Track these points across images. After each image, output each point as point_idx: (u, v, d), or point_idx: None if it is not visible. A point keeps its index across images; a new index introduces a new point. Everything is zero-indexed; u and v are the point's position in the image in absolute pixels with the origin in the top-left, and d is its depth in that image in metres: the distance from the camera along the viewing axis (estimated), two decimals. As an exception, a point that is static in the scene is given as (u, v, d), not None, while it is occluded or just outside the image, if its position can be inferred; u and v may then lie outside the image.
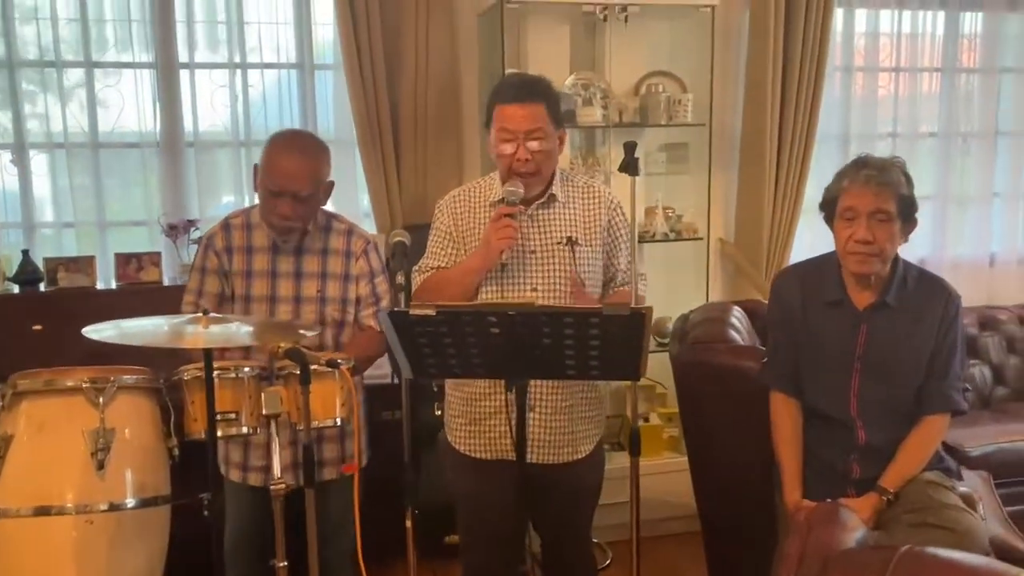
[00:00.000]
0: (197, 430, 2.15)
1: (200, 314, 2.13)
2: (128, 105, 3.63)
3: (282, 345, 2.12)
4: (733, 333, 2.97)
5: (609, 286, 2.46)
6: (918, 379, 2.38)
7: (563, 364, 1.91)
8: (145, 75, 3.62)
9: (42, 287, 3.41)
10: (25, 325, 3.21)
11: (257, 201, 2.49)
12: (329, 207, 2.63)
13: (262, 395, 2.19)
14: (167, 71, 3.62)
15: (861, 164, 2.35)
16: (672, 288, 3.82)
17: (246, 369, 2.22)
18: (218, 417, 2.11)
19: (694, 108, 3.78)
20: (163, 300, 2.87)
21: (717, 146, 3.91)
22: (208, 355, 2.04)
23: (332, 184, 2.52)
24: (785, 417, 2.47)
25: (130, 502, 2.05)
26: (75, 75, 3.58)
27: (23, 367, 2.13)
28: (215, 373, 2.09)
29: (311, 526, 2.18)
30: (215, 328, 2.08)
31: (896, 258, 2.40)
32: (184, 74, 3.64)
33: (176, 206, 3.65)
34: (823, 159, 4.13)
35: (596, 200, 2.42)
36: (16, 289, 3.40)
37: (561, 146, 2.39)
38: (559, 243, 2.35)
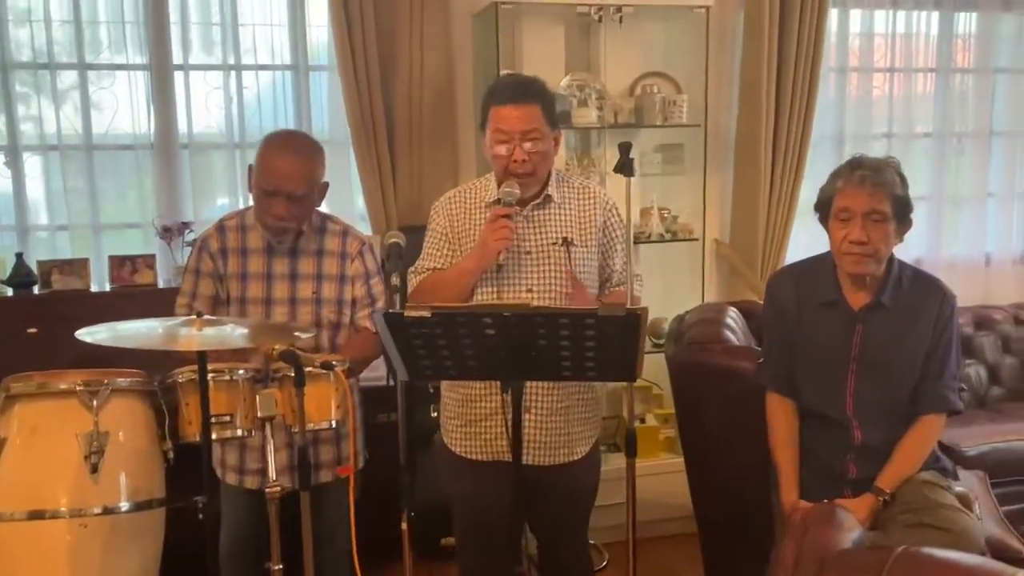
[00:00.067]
0: (191, 433, 2.15)
1: (194, 316, 2.12)
2: (122, 107, 3.62)
3: (276, 347, 2.12)
4: (729, 334, 2.97)
5: (604, 287, 2.45)
6: (914, 379, 2.38)
7: (559, 365, 1.91)
8: (139, 77, 3.61)
9: (36, 290, 3.39)
10: (19, 328, 3.20)
11: (252, 203, 2.48)
12: (324, 209, 2.62)
13: (257, 397, 2.18)
14: (161, 73, 3.61)
15: (856, 164, 2.35)
16: (668, 289, 3.82)
17: (241, 371, 2.21)
18: (213, 420, 2.10)
19: (689, 109, 3.78)
20: (158, 303, 2.86)
21: (712, 147, 3.91)
22: (202, 357, 2.04)
23: (327, 185, 2.52)
24: (781, 418, 2.47)
25: (124, 506, 2.04)
26: (69, 77, 3.57)
27: (17, 370, 2.12)
28: (209, 375, 2.08)
29: (306, 528, 2.17)
30: (209, 330, 2.07)
31: (891, 258, 2.40)
32: (178, 76, 3.63)
33: (170, 208, 3.64)
34: (818, 160, 4.13)
35: (592, 201, 2.42)
36: (10, 292, 3.38)
37: (556, 147, 2.39)
38: (555, 244, 2.35)
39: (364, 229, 3.58)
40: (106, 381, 2.06)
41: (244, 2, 3.67)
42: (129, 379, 2.12)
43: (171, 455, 2.15)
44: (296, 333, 2.20)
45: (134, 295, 3.41)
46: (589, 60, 3.81)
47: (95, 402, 2.02)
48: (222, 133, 3.72)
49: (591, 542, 2.69)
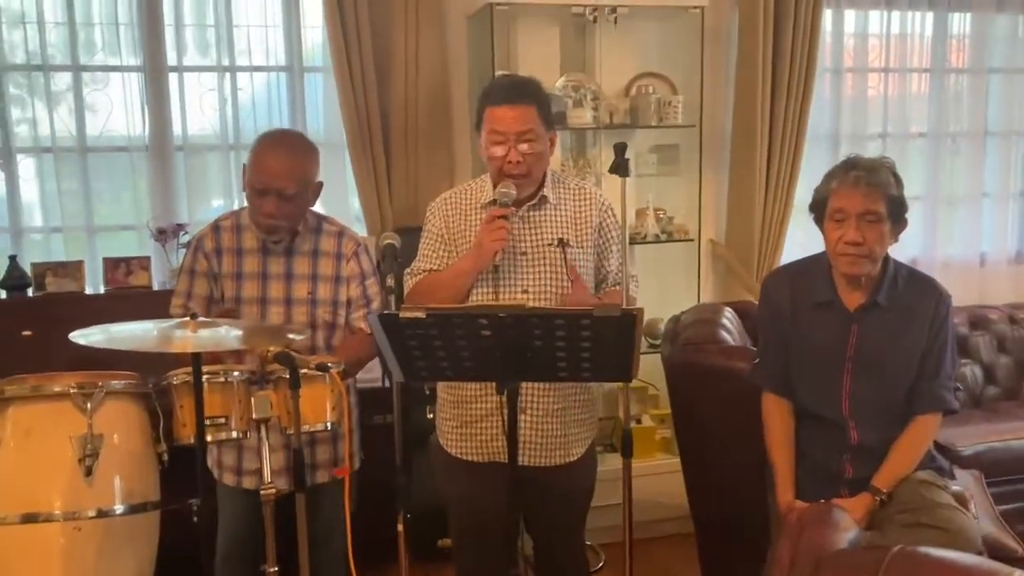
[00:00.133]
0: (186, 435, 2.14)
1: (188, 318, 2.11)
2: (116, 109, 3.60)
3: (271, 349, 2.11)
4: (724, 334, 2.97)
5: (600, 288, 2.45)
6: (909, 379, 2.38)
7: (554, 366, 1.90)
8: (133, 78, 3.59)
9: (30, 292, 3.39)
10: (13, 331, 3.19)
11: (247, 203, 2.48)
12: (319, 210, 2.62)
13: (252, 399, 2.18)
14: (156, 74, 3.60)
15: (850, 165, 2.36)
16: (663, 289, 3.82)
17: (236, 373, 2.20)
18: (207, 422, 2.09)
19: (684, 109, 3.78)
20: (152, 304, 2.85)
21: (707, 147, 3.91)
22: (197, 359, 2.03)
23: (321, 185, 2.51)
24: (777, 418, 2.47)
25: (119, 508, 2.03)
26: (63, 79, 3.56)
27: (11, 373, 2.10)
28: (204, 377, 2.08)
29: (302, 530, 2.17)
30: (204, 332, 2.07)
31: (886, 258, 2.41)
32: (173, 77, 3.62)
33: (165, 210, 3.63)
34: (813, 160, 4.14)
35: (587, 202, 2.41)
36: (3, 294, 3.37)
37: (552, 148, 2.39)
38: (550, 245, 2.35)
39: (359, 230, 3.58)
40: (100, 383, 2.05)
41: (239, 3, 3.66)
42: (123, 381, 2.11)
43: (166, 457, 2.14)
44: (290, 335, 2.19)
45: (129, 297, 3.40)
46: (584, 61, 3.81)
47: (89, 404, 2.02)
48: (217, 135, 3.71)
49: (587, 543, 2.69)
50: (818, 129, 4.23)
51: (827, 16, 4.15)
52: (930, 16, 4.39)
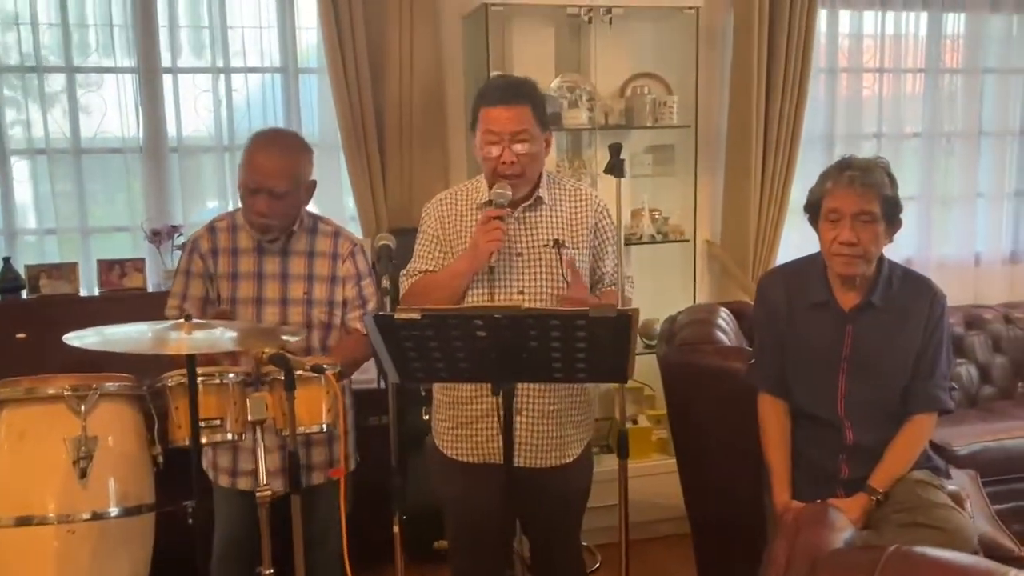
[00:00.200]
0: (181, 437, 2.13)
1: (183, 320, 2.11)
2: (111, 110, 3.60)
3: (266, 350, 2.11)
4: (720, 335, 2.98)
5: (596, 289, 2.45)
6: (905, 379, 2.38)
7: (550, 367, 1.90)
8: (128, 80, 3.58)
9: (24, 294, 3.38)
10: (7, 333, 3.18)
11: (240, 202, 2.47)
12: (314, 211, 2.61)
13: (247, 401, 2.17)
14: (150, 76, 3.59)
15: (844, 165, 2.36)
16: (659, 290, 3.82)
17: (231, 375, 2.20)
18: (203, 423, 2.09)
19: (679, 110, 3.79)
20: (147, 307, 2.85)
21: (703, 148, 3.91)
22: (191, 361, 2.02)
23: (314, 184, 2.51)
24: (773, 418, 2.47)
25: (113, 511, 2.02)
26: (57, 80, 3.55)
27: (5, 375, 2.10)
28: (199, 379, 2.08)
29: (297, 531, 2.16)
30: (198, 334, 2.06)
31: (881, 258, 2.41)
32: (167, 79, 3.61)
33: (160, 212, 3.62)
34: (808, 160, 4.14)
35: (583, 202, 2.41)
36: (-3, 297, 3.37)
37: (547, 148, 2.39)
38: (546, 246, 2.34)
39: (354, 231, 3.56)
40: (94, 386, 2.04)
41: (233, 5, 3.65)
42: (118, 383, 2.10)
43: (161, 459, 2.14)
44: (285, 336, 2.19)
45: (123, 299, 3.40)
46: (579, 61, 3.82)
47: (83, 407, 2.01)
48: (211, 136, 3.70)
49: (584, 544, 2.68)
50: (813, 129, 4.24)
51: (822, 16, 4.16)
52: (924, 16, 4.40)
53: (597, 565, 3.45)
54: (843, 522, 2.11)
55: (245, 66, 3.72)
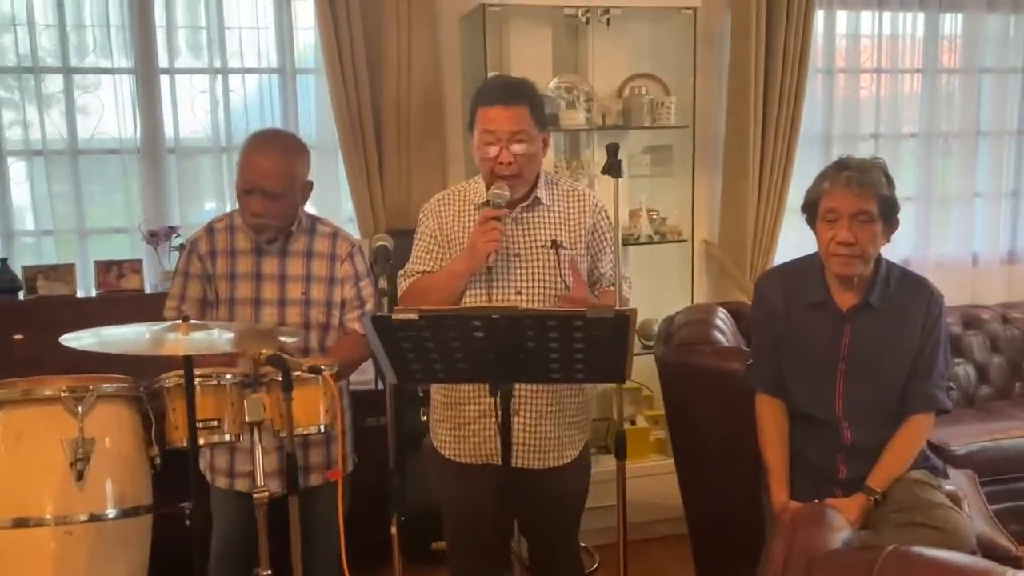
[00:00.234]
0: (179, 438, 2.13)
1: (180, 321, 2.10)
2: (108, 111, 3.59)
3: (264, 351, 2.10)
4: (718, 335, 2.97)
5: (594, 289, 2.45)
6: (902, 379, 2.38)
7: (547, 367, 1.90)
8: (125, 81, 3.58)
9: (21, 296, 3.37)
10: (4, 334, 3.17)
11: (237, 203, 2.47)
12: (312, 211, 2.61)
13: (244, 402, 2.17)
14: (147, 76, 3.59)
15: (842, 166, 2.36)
16: (657, 290, 3.82)
17: (228, 376, 2.20)
18: (200, 425, 2.09)
19: (677, 110, 3.79)
20: (144, 308, 2.84)
21: (700, 148, 3.92)
22: (188, 362, 2.02)
23: (310, 185, 2.51)
24: (770, 418, 2.47)
25: (110, 512, 2.02)
26: (54, 81, 3.54)
27: (2, 376, 2.10)
28: (196, 380, 2.07)
29: (295, 533, 2.16)
30: (196, 335, 2.06)
31: (879, 258, 2.41)
32: (164, 79, 3.61)
33: (157, 212, 3.62)
34: (806, 160, 4.14)
35: (581, 203, 2.41)
36: (-6, 298, 3.36)
37: (545, 149, 2.38)
38: (543, 246, 2.34)
39: (352, 232, 3.56)
40: (91, 387, 2.04)
41: (230, 5, 3.65)
42: (115, 384, 2.10)
43: (158, 461, 2.14)
44: (282, 337, 2.19)
45: (120, 300, 3.39)
46: (577, 62, 3.81)
47: (80, 408, 2.01)
48: (208, 137, 3.70)
49: (582, 544, 2.68)
50: (811, 129, 4.24)
51: (819, 17, 4.16)
52: (921, 17, 4.40)
53: (595, 566, 3.45)
54: (841, 522, 2.12)
55: (242, 67, 3.72)
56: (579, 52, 3.81)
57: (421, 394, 3.19)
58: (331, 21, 3.53)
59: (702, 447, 2.90)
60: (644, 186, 3.93)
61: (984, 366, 4.18)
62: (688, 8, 3.72)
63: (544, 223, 2.37)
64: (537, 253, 2.34)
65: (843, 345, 2.39)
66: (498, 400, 1.91)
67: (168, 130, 3.63)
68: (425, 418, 2.55)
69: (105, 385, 2.08)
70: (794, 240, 4.03)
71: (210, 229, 2.53)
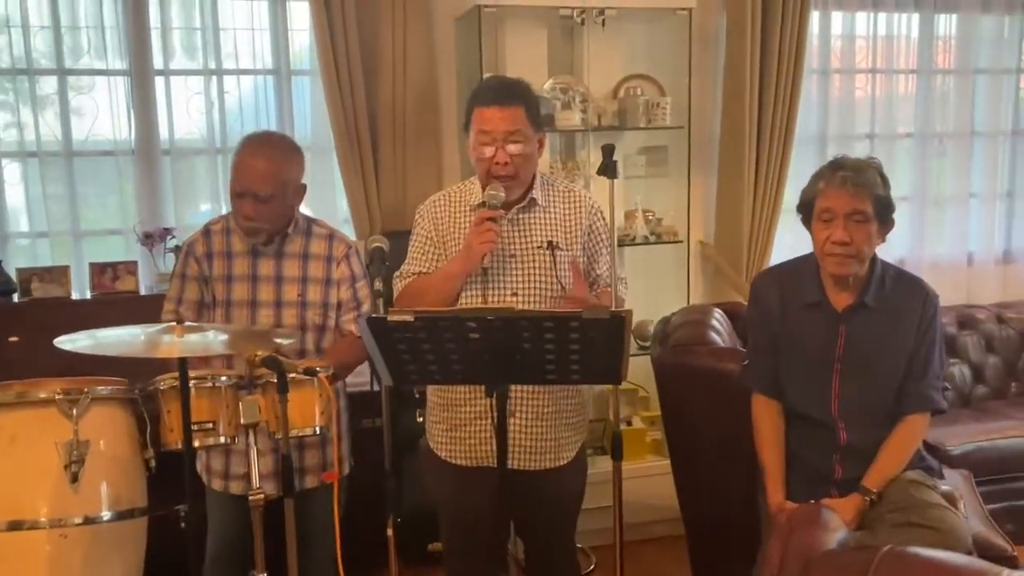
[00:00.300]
0: (173, 440, 2.12)
1: (174, 323, 2.10)
2: (102, 113, 3.58)
3: (259, 353, 2.10)
4: (714, 335, 2.98)
5: (590, 290, 2.45)
6: (898, 379, 2.39)
7: (543, 368, 1.90)
8: (119, 82, 3.57)
9: (15, 298, 3.36)
10: (-1, 337, 3.17)
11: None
12: (307, 213, 2.61)
13: (240, 404, 2.16)
14: (142, 78, 3.58)
15: (837, 166, 2.36)
16: (653, 291, 3.82)
17: (223, 378, 2.19)
18: (195, 427, 2.08)
19: (672, 111, 3.79)
20: (140, 310, 2.84)
21: (696, 149, 3.92)
22: (183, 364, 2.02)
23: (303, 187, 2.51)
24: (766, 419, 2.47)
25: (105, 515, 2.02)
26: (48, 83, 3.54)
27: (-1, 379, 2.10)
28: (191, 382, 2.07)
29: (291, 535, 2.15)
30: (191, 337, 2.05)
31: (874, 258, 2.41)
32: (159, 81, 3.60)
33: (152, 214, 3.61)
34: (801, 161, 4.14)
35: (576, 204, 2.41)
36: (-11, 300, 3.35)
37: (541, 149, 2.39)
38: (539, 247, 2.34)
39: (347, 233, 3.56)
40: (86, 389, 2.04)
41: (225, 7, 3.64)
42: (109, 387, 2.10)
43: (153, 463, 2.14)
44: (278, 339, 2.18)
45: (115, 302, 3.38)
46: (572, 63, 3.81)
47: (75, 411, 2.00)
48: (204, 138, 3.70)
49: (578, 545, 2.68)
50: (806, 130, 4.25)
51: (814, 18, 4.17)
52: (916, 17, 4.41)
53: (592, 567, 3.45)
54: (837, 522, 2.12)
55: (237, 68, 3.71)
56: (574, 53, 3.81)
57: (417, 395, 3.19)
58: (326, 22, 3.52)
59: (698, 448, 2.90)
60: (640, 187, 3.93)
61: (979, 366, 4.18)
62: (683, 9, 3.72)
63: (540, 224, 2.37)
64: (533, 254, 2.34)
65: (838, 345, 2.39)
66: (494, 401, 1.91)
67: (163, 132, 3.63)
68: (421, 420, 2.55)
69: (100, 387, 2.07)
70: (790, 240, 4.04)
71: (206, 231, 2.53)
